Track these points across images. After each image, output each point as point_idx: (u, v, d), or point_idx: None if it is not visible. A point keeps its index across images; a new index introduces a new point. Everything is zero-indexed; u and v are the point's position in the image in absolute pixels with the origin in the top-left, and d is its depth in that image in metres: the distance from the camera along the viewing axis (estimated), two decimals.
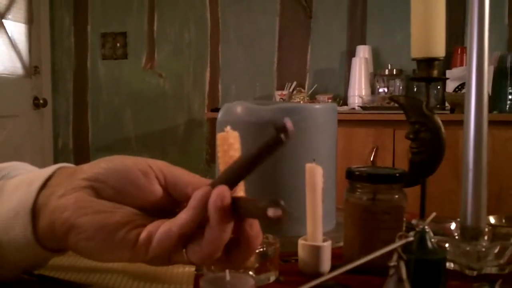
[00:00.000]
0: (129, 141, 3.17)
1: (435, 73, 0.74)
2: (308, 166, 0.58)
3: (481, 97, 0.61)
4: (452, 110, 2.27)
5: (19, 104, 2.93)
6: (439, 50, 0.73)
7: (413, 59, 0.75)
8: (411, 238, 0.45)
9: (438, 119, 0.74)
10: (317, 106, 0.70)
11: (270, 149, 0.37)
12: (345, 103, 2.65)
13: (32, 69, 3.03)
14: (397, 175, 0.59)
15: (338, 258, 0.62)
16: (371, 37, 2.75)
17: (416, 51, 0.74)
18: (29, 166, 0.53)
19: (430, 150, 0.74)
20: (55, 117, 3.26)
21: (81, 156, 3.26)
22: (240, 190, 0.56)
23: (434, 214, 0.53)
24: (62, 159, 3.26)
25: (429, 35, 0.73)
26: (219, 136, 0.56)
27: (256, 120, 0.69)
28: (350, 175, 0.60)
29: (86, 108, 3.23)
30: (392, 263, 0.46)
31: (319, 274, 0.58)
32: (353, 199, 0.60)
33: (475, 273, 0.58)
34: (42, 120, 3.13)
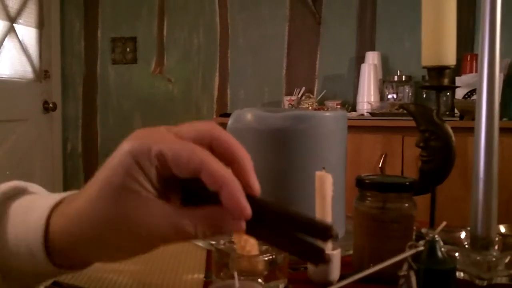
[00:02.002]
0: None
1: (445, 81, 0.73)
2: (318, 174, 0.58)
3: (492, 106, 0.61)
4: (461, 117, 2.26)
5: (29, 108, 2.95)
6: (450, 58, 0.72)
7: (424, 67, 0.75)
8: (421, 248, 0.45)
9: (449, 128, 0.74)
10: (327, 113, 0.70)
11: (301, 256, 0.38)
12: (354, 109, 2.65)
13: (42, 73, 3.06)
14: (407, 184, 0.59)
15: (347, 266, 0.62)
16: (380, 44, 2.74)
17: (427, 60, 0.74)
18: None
19: (440, 158, 0.74)
20: (64, 121, 3.28)
21: (90, 160, 3.28)
22: None
23: (444, 223, 0.53)
24: (71, 163, 3.28)
25: (440, 43, 0.72)
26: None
27: (266, 127, 0.69)
28: (360, 183, 0.60)
29: (95, 112, 3.25)
30: (402, 273, 0.46)
31: (328, 283, 0.58)
32: (362, 208, 0.60)
33: (485, 283, 0.58)
34: (52, 124, 3.15)
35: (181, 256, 0.66)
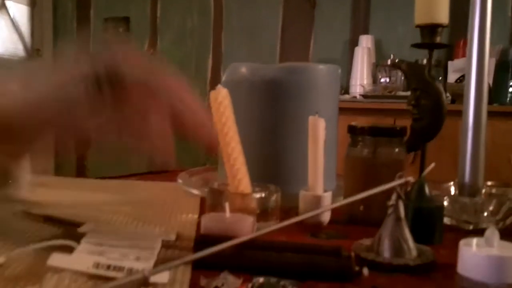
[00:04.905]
0: None
1: (438, 39, 0.75)
2: (311, 118, 0.59)
3: (482, 66, 0.62)
4: (453, 101, 2.29)
5: None
6: (443, 16, 0.74)
7: (417, 26, 0.76)
8: (410, 178, 0.46)
9: (440, 86, 0.75)
10: (320, 66, 0.71)
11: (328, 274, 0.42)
12: (346, 92, 2.66)
13: (34, 52, 3.04)
14: (398, 129, 0.60)
15: (337, 214, 0.63)
16: (374, 28, 2.75)
17: (420, 18, 0.75)
18: None
19: (430, 116, 0.76)
20: None
21: None
22: (239, 153, 0.57)
23: (433, 164, 0.54)
24: None
25: (433, 1, 0.74)
26: (211, 94, 0.58)
27: (260, 78, 0.70)
28: (352, 129, 0.61)
29: None
30: (391, 203, 0.47)
31: (319, 224, 0.59)
32: (354, 153, 0.61)
33: (471, 227, 0.59)
34: None
35: (175, 201, 0.67)
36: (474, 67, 0.60)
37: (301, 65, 0.70)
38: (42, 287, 0.36)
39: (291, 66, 0.69)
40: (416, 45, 0.77)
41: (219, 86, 0.59)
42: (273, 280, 0.36)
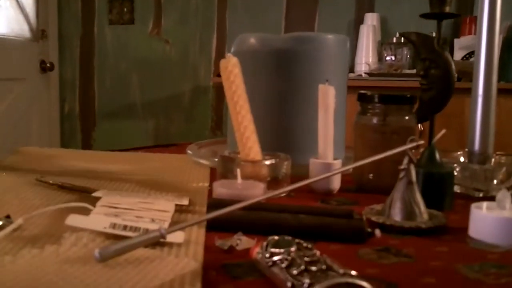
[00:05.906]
0: (135, 107, 3.17)
1: (447, 9, 0.74)
2: (321, 86, 0.59)
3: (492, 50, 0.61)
4: (459, 79, 2.27)
5: (26, 67, 2.93)
6: None
7: None
8: (422, 141, 0.47)
9: (449, 56, 0.74)
10: (329, 36, 0.71)
11: (345, 235, 0.43)
12: (351, 70, 2.64)
13: (39, 33, 3.03)
14: (408, 96, 0.60)
15: (347, 183, 0.63)
16: (380, 5, 2.72)
17: None
18: None
19: (439, 86, 0.75)
20: (61, 82, 3.27)
21: (87, 121, 3.27)
22: (250, 122, 0.58)
23: (443, 131, 0.54)
24: (69, 124, 3.28)
25: None
26: (221, 62, 0.59)
27: (269, 48, 0.69)
28: (362, 97, 0.61)
29: (92, 74, 3.23)
30: (403, 166, 0.47)
31: (330, 192, 0.60)
32: (363, 121, 0.61)
33: (481, 194, 0.60)
34: (49, 84, 3.14)
35: (185, 171, 0.68)
36: (484, 30, 0.59)
37: (310, 34, 0.69)
38: (61, 245, 0.36)
39: (300, 36, 0.69)
40: (424, 15, 0.76)
41: (229, 55, 0.59)
42: (287, 237, 0.36)
